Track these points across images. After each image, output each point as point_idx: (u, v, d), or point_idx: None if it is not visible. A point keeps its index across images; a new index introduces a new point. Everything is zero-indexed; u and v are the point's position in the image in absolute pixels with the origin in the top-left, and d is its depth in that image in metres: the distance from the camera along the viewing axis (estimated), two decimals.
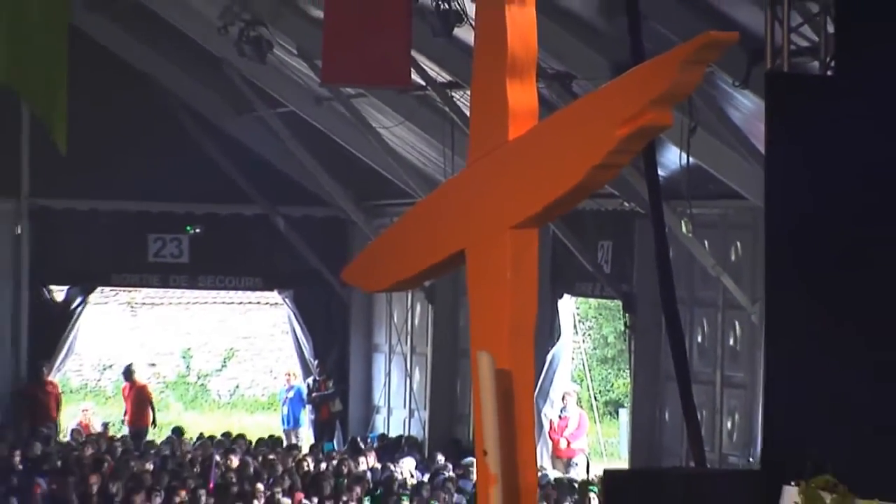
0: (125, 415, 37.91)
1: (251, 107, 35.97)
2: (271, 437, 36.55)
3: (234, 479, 30.39)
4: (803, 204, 17.72)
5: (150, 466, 31.73)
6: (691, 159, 26.12)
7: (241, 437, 35.53)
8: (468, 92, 19.67)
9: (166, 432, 37.08)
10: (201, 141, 36.60)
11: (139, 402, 37.99)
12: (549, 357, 32.51)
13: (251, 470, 31.36)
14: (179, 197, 36.82)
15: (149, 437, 35.88)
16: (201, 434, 36.66)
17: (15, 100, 30.12)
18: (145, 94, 35.73)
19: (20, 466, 30.00)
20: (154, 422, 38.04)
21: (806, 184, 17.71)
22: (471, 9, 23.49)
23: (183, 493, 29.00)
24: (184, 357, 46.53)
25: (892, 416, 16.73)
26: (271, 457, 33.03)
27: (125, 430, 37.95)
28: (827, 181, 17.40)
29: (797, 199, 17.85)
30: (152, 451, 33.50)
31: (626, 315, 32.21)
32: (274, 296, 39.34)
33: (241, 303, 41.52)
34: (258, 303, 40.69)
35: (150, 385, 45.84)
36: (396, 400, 38.28)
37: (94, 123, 33.04)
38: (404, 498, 29.32)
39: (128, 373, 38.43)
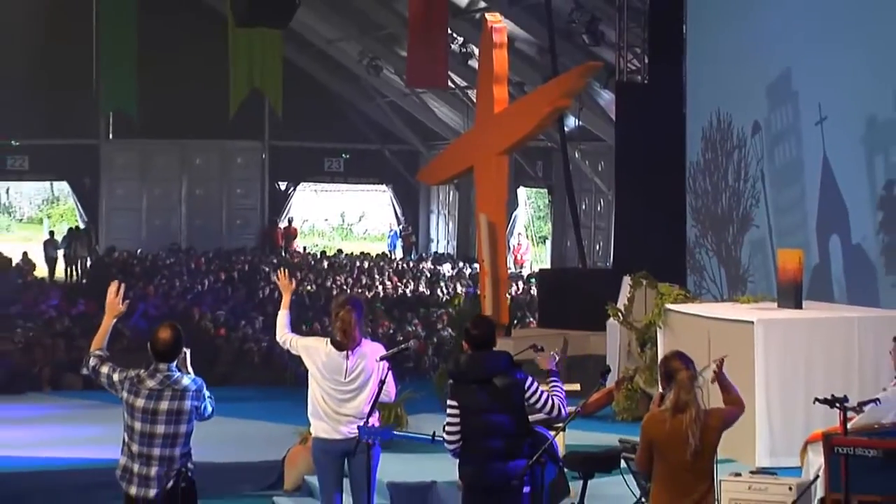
0: (284, 245, 37.09)
1: (373, 97, 35.70)
2: (382, 253, 36.62)
3: (364, 273, 30.60)
4: (633, 145, 17.74)
5: (326, 265, 31.92)
6: (581, 122, 26.18)
7: (368, 254, 35.57)
8: (475, 90, 19.80)
9: (332, 251, 37.11)
10: (350, 114, 36.33)
11: (290, 237, 37.33)
12: (513, 216, 32.48)
13: (373, 268, 31.60)
14: (338, 140, 36.45)
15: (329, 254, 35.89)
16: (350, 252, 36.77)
17: (261, 95, 30.14)
18: (324, 92, 35.32)
19: (265, 268, 30.02)
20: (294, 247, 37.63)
21: (634, 135, 17.72)
22: (476, 51, 23.47)
23: (341, 278, 29.18)
24: (340, 216, 46.26)
25: (673, 238, 16.85)
26: (382, 263, 33.23)
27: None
28: (643, 134, 17.41)
29: (630, 143, 17.87)
30: (328, 259, 33.74)
31: (549, 196, 32.24)
32: (383, 188, 38.79)
33: (367, 191, 40.95)
34: (376, 191, 40.16)
35: (323, 229, 45.83)
36: (441, 236, 38.15)
37: (301, 106, 32.97)
38: (444, 281, 29.45)
39: (287, 222, 37.29)
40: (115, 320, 7.45)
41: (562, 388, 7.40)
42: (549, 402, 7.23)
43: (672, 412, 6.33)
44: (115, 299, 7.43)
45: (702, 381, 6.54)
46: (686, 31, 17.16)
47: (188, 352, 7.32)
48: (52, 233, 34.91)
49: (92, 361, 7.33)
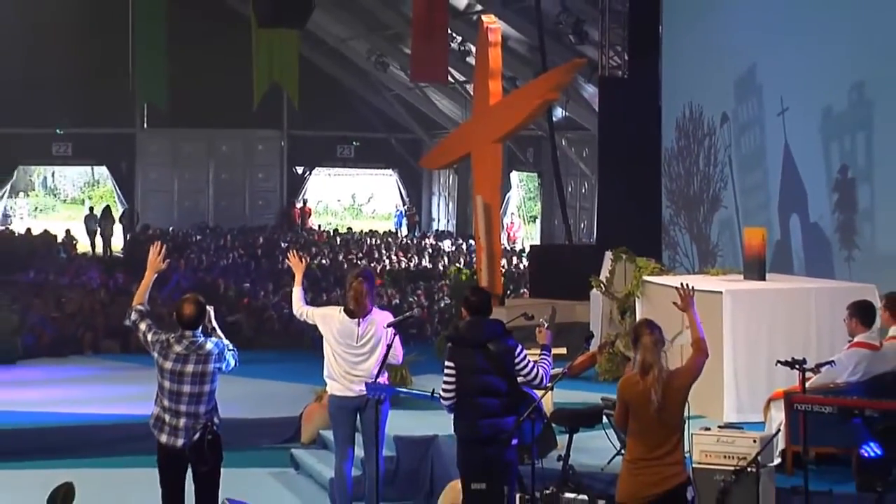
0: (301, 223, 37.06)
1: (380, 91, 35.58)
2: (389, 231, 36.61)
3: (374, 248, 30.55)
4: (614, 133, 17.66)
5: (338, 241, 31.83)
6: (567, 113, 26.12)
7: (377, 231, 35.57)
8: (472, 85, 19.72)
9: (343, 229, 37.04)
10: (360, 106, 36.23)
11: (306, 217, 37.33)
12: (506, 197, 32.39)
13: (381, 244, 31.52)
14: (349, 129, 36.40)
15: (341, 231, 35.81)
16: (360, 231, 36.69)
17: (280, 88, 30.08)
18: (336, 86, 35.17)
19: (283, 244, 30.02)
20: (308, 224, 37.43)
21: (615, 125, 17.67)
22: (473, 49, 23.37)
23: (352, 253, 29.14)
24: (351, 197, 46.05)
25: (650, 218, 16.80)
26: (389, 239, 33.17)
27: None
28: (623, 123, 17.35)
29: (612, 132, 17.80)
30: (340, 236, 33.64)
31: (539, 179, 32.19)
32: (390, 172, 38.75)
33: (375, 174, 40.84)
34: (383, 175, 40.06)
35: (336, 209, 45.63)
36: (442, 215, 38.12)
37: (316, 99, 32.90)
38: (445, 256, 29.42)
39: (303, 203, 37.53)
40: (155, 276, 7.54)
41: (550, 363, 7.40)
42: (535, 370, 7.23)
43: (640, 374, 6.33)
44: (156, 258, 7.53)
45: (668, 347, 6.52)
46: (662, 31, 17.14)
47: (211, 309, 7.41)
48: (91, 209, 35.22)
49: (133, 316, 7.45)
